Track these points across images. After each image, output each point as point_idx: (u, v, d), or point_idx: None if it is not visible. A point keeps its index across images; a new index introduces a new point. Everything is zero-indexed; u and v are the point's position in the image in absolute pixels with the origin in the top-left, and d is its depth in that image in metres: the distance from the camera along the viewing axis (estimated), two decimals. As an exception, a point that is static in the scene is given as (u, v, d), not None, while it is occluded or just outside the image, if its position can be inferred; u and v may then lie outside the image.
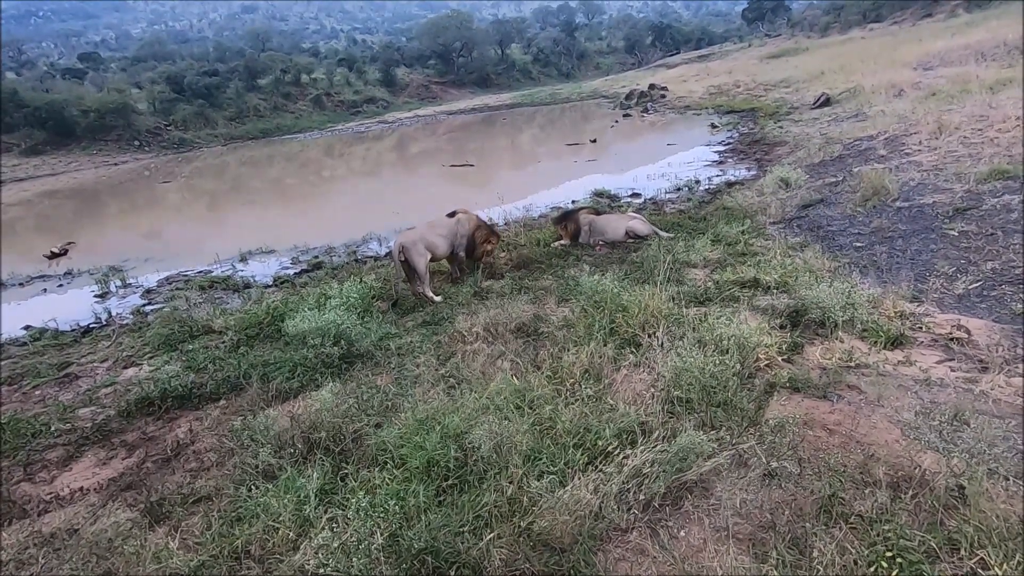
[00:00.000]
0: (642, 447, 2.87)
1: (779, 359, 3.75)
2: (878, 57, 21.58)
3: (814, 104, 16.63)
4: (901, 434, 2.92)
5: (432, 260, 6.13)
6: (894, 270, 5.10)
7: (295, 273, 8.09)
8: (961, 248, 5.21)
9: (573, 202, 10.33)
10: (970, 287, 4.51)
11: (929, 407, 3.08)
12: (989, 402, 3.07)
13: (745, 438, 2.94)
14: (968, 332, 3.88)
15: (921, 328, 4.02)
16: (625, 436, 3.03)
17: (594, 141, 18.53)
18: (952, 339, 3.83)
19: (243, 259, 9.11)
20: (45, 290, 8.68)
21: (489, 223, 6.83)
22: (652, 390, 3.51)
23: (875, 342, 3.86)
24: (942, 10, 34.10)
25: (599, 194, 10.76)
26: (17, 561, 2.65)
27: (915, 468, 2.58)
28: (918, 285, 4.69)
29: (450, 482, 2.80)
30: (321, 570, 2.28)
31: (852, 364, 3.65)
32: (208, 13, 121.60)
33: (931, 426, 2.90)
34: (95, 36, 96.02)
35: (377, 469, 2.99)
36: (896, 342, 3.85)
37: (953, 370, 3.49)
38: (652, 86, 30.80)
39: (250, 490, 2.94)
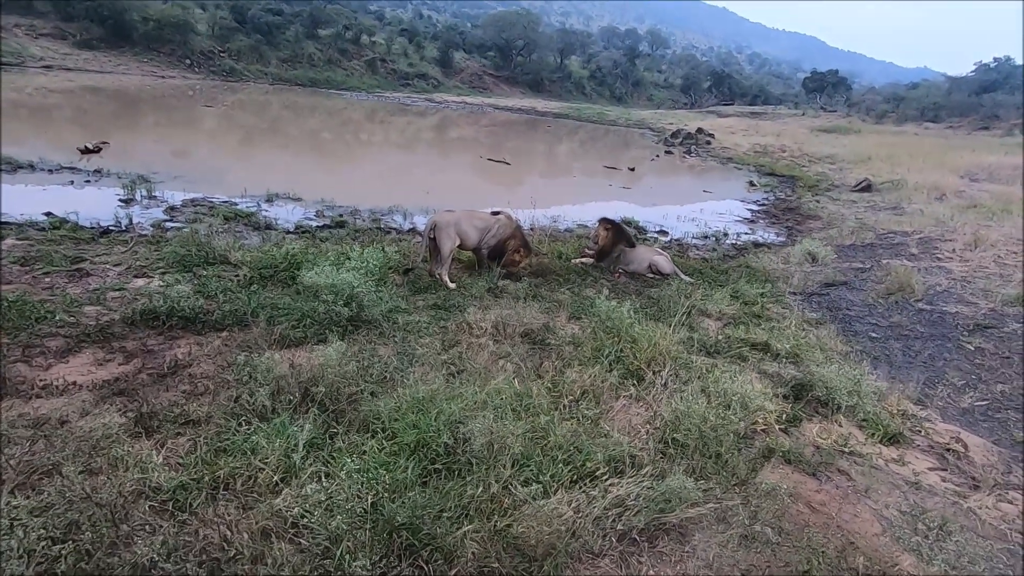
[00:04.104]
0: (629, 478, 2.89)
1: (776, 427, 3.77)
2: (927, 156, 21.65)
3: (855, 187, 16.67)
4: (882, 530, 2.93)
5: (459, 248, 6.17)
6: (905, 369, 5.11)
7: (317, 226, 8.12)
8: (975, 363, 5.23)
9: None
10: (976, 403, 4.52)
11: (915, 510, 3.09)
12: (976, 520, 3.08)
13: (732, 495, 2.95)
14: (966, 447, 3.89)
15: (920, 432, 4.03)
16: (614, 464, 3.04)
17: (632, 169, 18.58)
18: (949, 450, 3.84)
19: (269, 200, 9.15)
20: (72, 182, 8.73)
21: (526, 236, 6.75)
22: (648, 426, 3.53)
23: (873, 434, 3.86)
24: (1000, 126, 34.18)
25: (626, 222, 10.75)
26: (6, 436, 2.67)
27: (893, 566, 2.60)
28: (925, 389, 4.70)
29: (437, 466, 2.82)
30: (303, 520, 2.30)
31: (846, 450, 3.65)
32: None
33: (915, 529, 2.92)
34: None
35: (368, 436, 3.01)
36: (893, 439, 3.85)
37: (944, 480, 3.50)
38: (700, 130, 30.91)
39: (240, 425, 2.96)
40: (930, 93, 47.28)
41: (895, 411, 4.20)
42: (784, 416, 3.89)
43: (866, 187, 16.41)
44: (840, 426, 3.95)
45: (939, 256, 8.68)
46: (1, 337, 3.72)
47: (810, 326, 5.86)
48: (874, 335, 5.87)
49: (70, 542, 2.10)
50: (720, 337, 5.24)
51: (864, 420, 4.03)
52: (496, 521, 2.52)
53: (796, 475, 3.32)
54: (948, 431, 4.09)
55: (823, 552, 2.65)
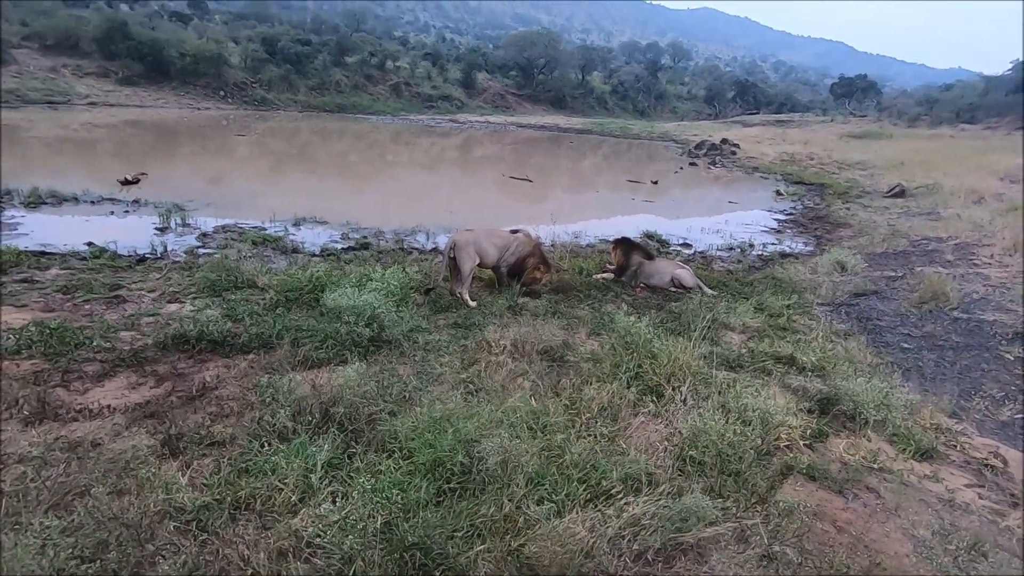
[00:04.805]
0: (645, 497, 2.86)
1: (801, 443, 3.68)
2: (964, 159, 20.96)
3: (887, 193, 16.24)
4: (913, 550, 2.82)
5: (479, 266, 6.24)
6: (938, 380, 4.93)
7: (342, 248, 8.32)
8: (1014, 374, 5.00)
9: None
10: (1016, 416, 4.33)
11: (948, 529, 2.97)
12: (1013, 540, 2.94)
13: (751, 514, 2.89)
14: (1004, 462, 3.72)
15: (955, 446, 3.88)
16: (630, 482, 3.01)
17: (655, 183, 18.49)
18: (986, 465, 3.68)
19: (296, 224, 9.42)
20: (113, 213, 9.17)
21: (545, 254, 6.76)
22: (666, 443, 3.49)
23: (904, 449, 3.74)
24: (1041, 125, 32.86)
25: (649, 236, 10.70)
26: (43, 459, 2.81)
27: (922, 588, 2.50)
28: (961, 402, 4.52)
29: (452, 485, 2.84)
30: (317, 539, 2.35)
31: (875, 466, 3.54)
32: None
33: (946, 549, 2.80)
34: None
35: (384, 456, 3.06)
36: (926, 454, 3.72)
37: (981, 497, 3.35)
38: (724, 140, 30.59)
39: (262, 446, 3.05)
40: (965, 94, 45.79)
41: (928, 425, 4.05)
42: (809, 431, 3.80)
43: (899, 193, 15.96)
44: (869, 441, 3.83)
45: (976, 262, 8.36)
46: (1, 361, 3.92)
47: (838, 338, 5.71)
48: (906, 346, 5.68)
49: (98, 561, 2.20)
50: (743, 351, 5.16)
51: (895, 435, 3.90)
52: (509, 541, 2.53)
53: (821, 493, 3.23)
54: (986, 445, 3.92)
55: (847, 572, 2.56)
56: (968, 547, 2.80)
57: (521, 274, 6.48)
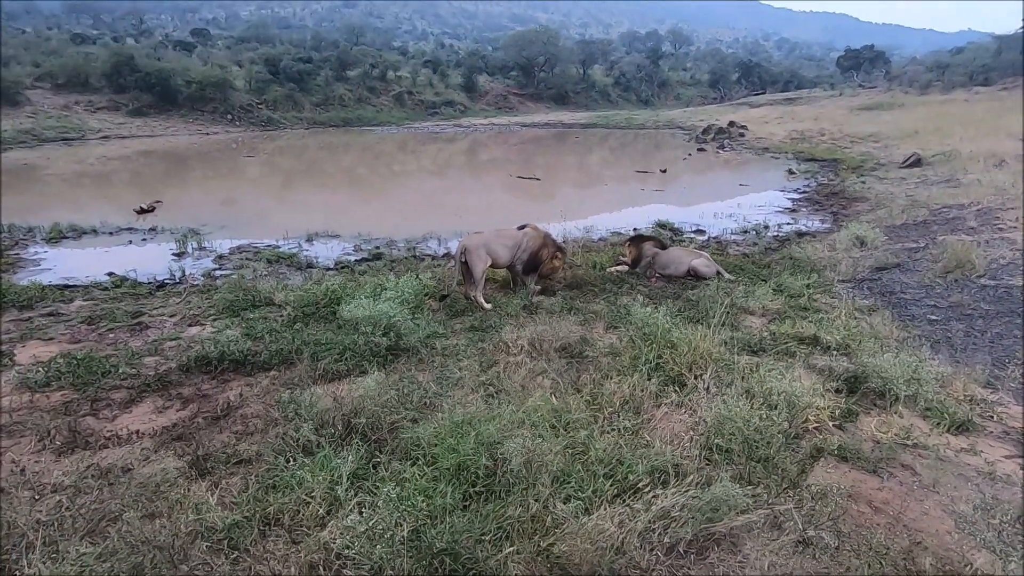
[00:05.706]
0: (673, 489, 2.82)
1: (830, 424, 3.60)
2: (981, 123, 20.42)
3: (903, 163, 15.89)
4: (955, 526, 2.74)
5: (492, 267, 6.23)
6: (969, 351, 4.80)
7: (356, 260, 8.38)
8: (1049, 338, 4.85)
9: (634, 229, 10.22)
10: (1054, 382, 4.19)
11: (990, 503, 2.88)
12: (1060, 510, 2.84)
13: (783, 499, 2.84)
14: (1045, 430, 3.60)
15: (992, 417, 3.77)
16: (657, 475, 2.98)
17: (664, 171, 18.32)
18: (1026, 434, 3.57)
19: (309, 239, 9.52)
20: (131, 242, 9.36)
21: (556, 240, 6.75)
22: (691, 433, 3.44)
23: (938, 423, 3.64)
24: (1060, 81, 31.86)
25: (662, 225, 10.61)
26: (76, 487, 2.87)
27: (966, 565, 2.42)
28: (995, 371, 4.39)
29: (477, 489, 2.84)
30: (346, 551, 2.36)
31: (909, 442, 3.45)
32: (311, 3, 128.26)
33: (990, 524, 2.71)
34: (208, 14, 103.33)
35: (409, 463, 3.06)
36: (962, 427, 3.62)
37: (1022, 468, 3.25)
38: (732, 123, 30.23)
39: (288, 461, 3.07)
40: (978, 56, 44.51)
41: (962, 397, 3.95)
42: (838, 411, 3.72)
43: (915, 162, 15.61)
44: (901, 417, 3.73)
45: (1001, 227, 8.13)
46: None
47: (862, 314, 5.59)
48: (933, 317, 5.53)
49: (134, 584, 2.23)
50: (765, 334, 5.08)
51: (927, 409, 3.80)
52: (538, 541, 2.51)
53: (854, 473, 3.16)
54: None
55: (886, 554, 2.50)
56: (1012, 520, 2.71)
57: (538, 268, 6.46)
